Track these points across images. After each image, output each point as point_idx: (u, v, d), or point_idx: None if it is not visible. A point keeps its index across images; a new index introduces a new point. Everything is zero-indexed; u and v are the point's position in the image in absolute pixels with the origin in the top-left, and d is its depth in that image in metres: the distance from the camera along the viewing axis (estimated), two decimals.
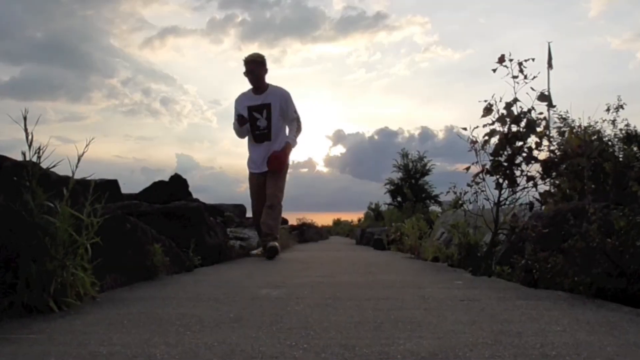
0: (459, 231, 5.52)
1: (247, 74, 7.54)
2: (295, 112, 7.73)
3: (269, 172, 7.49)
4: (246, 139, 7.78)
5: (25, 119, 2.64)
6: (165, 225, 5.34)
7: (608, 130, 14.27)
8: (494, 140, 4.81)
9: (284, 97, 7.60)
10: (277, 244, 7.19)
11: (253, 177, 7.69)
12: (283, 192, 7.69)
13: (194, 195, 10.02)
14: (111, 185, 8.07)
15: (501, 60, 4.75)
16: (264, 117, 7.51)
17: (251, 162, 7.70)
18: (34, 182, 2.62)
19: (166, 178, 10.13)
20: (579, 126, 5.86)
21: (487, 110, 4.81)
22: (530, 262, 3.61)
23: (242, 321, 2.30)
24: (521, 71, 4.66)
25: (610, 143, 11.65)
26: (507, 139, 4.71)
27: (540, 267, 3.46)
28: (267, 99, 7.52)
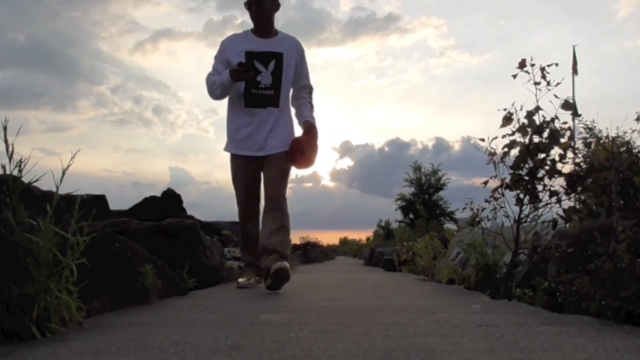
0: (476, 251, 5.51)
1: (250, 6, 5.78)
2: (309, 77, 6.04)
3: (271, 159, 5.70)
4: (224, 101, 5.94)
5: (5, 129, 2.65)
6: (158, 244, 5.35)
7: (638, 141, 14.24)
8: (514, 152, 4.80)
9: (300, 52, 5.93)
10: (287, 264, 5.22)
11: (241, 162, 5.78)
12: (286, 188, 5.91)
13: (189, 212, 10.06)
14: (99, 201, 8.11)
15: (522, 65, 4.74)
16: (270, 71, 5.68)
17: (238, 139, 5.75)
18: (15, 198, 2.62)
19: (158, 193, 10.19)
20: (607, 137, 5.86)
21: (507, 119, 4.80)
22: (554, 284, 3.60)
23: (240, 349, 2.29)
24: (544, 77, 4.65)
25: None
26: (529, 151, 4.70)
27: (565, 290, 3.45)
28: (278, 46, 5.78)
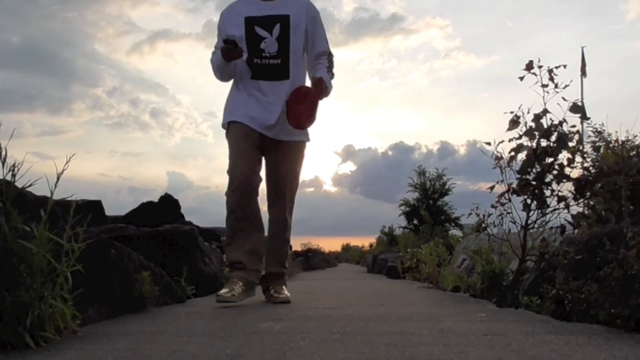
0: (482, 258, 5.51)
1: None
2: (327, 42, 5.28)
3: (282, 148, 5.06)
4: (230, 83, 5.27)
5: None
6: (155, 251, 5.35)
7: None
8: (521, 156, 4.80)
9: (312, 13, 5.17)
10: (287, 293, 5.09)
11: (243, 130, 4.95)
12: (299, 180, 5.27)
13: (187, 218, 10.05)
14: (94, 207, 8.12)
15: (529, 67, 4.74)
16: (275, 36, 4.99)
17: (243, 112, 5.00)
18: (8, 203, 2.63)
19: (156, 199, 10.18)
20: (616, 140, 5.83)
21: (514, 122, 4.80)
22: (562, 292, 3.60)
23: (240, 358, 2.29)
24: (551, 79, 4.65)
25: None
26: (536, 155, 4.70)
27: (573, 298, 3.44)
28: (283, 8, 5.06)
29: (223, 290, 4.60)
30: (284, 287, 5.15)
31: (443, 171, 28.60)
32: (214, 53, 5.08)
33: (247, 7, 5.04)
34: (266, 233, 5.19)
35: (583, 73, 21.23)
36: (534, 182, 4.74)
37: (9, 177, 2.67)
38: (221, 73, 5.09)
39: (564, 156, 4.70)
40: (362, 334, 2.92)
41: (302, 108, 4.94)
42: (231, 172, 4.84)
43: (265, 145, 5.02)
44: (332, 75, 5.14)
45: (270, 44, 4.98)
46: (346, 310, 4.27)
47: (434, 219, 24.03)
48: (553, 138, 4.68)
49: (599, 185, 4.69)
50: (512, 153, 4.82)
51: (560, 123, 4.67)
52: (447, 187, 28.22)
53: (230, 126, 5.03)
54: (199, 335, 2.95)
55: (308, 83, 5.17)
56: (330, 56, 5.20)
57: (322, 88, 5.00)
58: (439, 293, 6.56)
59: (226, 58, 4.85)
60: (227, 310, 4.24)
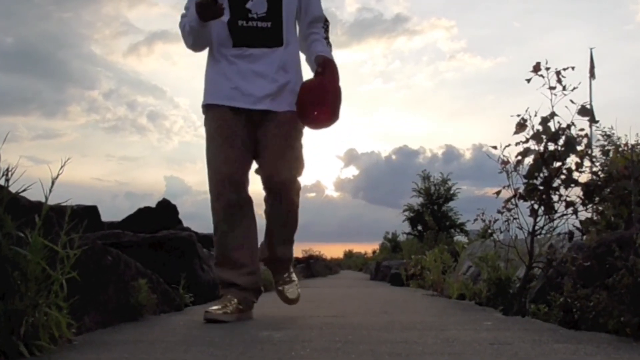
0: (488, 265, 5.51)
1: None
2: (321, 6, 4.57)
3: (274, 120, 4.20)
4: (206, 52, 4.43)
5: None
6: (152, 257, 5.35)
7: None
8: (528, 160, 4.80)
9: None
10: (298, 289, 4.70)
11: (226, 117, 4.20)
12: (302, 166, 4.39)
13: (185, 224, 10.04)
14: (90, 212, 8.12)
15: (536, 69, 4.75)
16: None
17: (224, 89, 4.22)
18: (1, 209, 2.63)
19: (153, 204, 10.17)
20: (626, 144, 5.83)
21: (521, 126, 4.80)
22: (570, 300, 3.60)
23: None
24: (559, 81, 4.66)
25: None
26: (544, 159, 4.70)
27: (581, 306, 3.45)
28: None
29: (214, 307, 4.08)
30: (293, 276, 4.71)
31: (448, 176, 28.65)
32: (184, 16, 4.32)
33: None
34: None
35: (592, 75, 21.27)
36: (541, 187, 4.74)
37: (2, 182, 2.67)
38: (194, 37, 4.25)
39: (572, 160, 4.70)
40: (365, 343, 2.92)
41: (323, 106, 4.24)
42: (212, 177, 4.19)
43: (255, 125, 4.22)
44: (330, 48, 4.45)
45: (259, 2, 4.21)
46: (348, 318, 4.28)
47: (438, 225, 24.05)
48: (561, 142, 4.68)
49: (608, 190, 4.68)
50: (519, 157, 4.82)
51: (569, 126, 4.67)
52: (452, 192, 28.26)
53: (209, 112, 4.28)
54: (197, 344, 2.95)
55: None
56: (326, 23, 4.51)
57: (334, 71, 4.28)
58: (444, 301, 6.56)
59: (203, 16, 4.02)
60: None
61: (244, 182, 4.26)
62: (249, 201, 4.32)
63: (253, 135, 4.24)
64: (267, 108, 4.17)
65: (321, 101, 4.21)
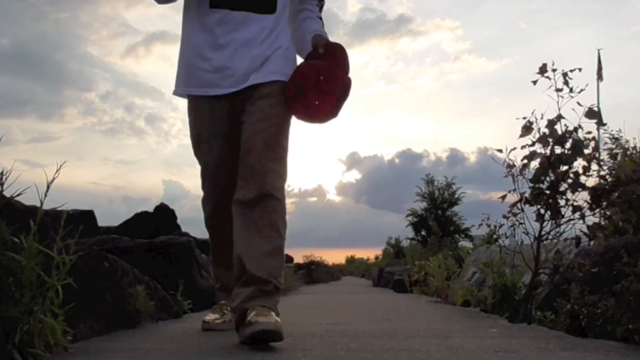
0: (493, 271, 5.51)
1: None
2: None
3: (257, 97, 3.47)
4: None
5: None
6: (150, 263, 5.35)
7: None
8: (535, 164, 4.80)
9: None
10: (277, 318, 3.05)
11: (206, 110, 3.60)
12: (285, 164, 3.54)
13: (184, 229, 10.04)
14: (86, 217, 8.14)
15: (543, 70, 4.75)
16: None
17: (199, 68, 3.53)
18: None
19: (151, 208, 10.19)
20: (634, 147, 5.83)
21: (527, 128, 4.80)
22: (577, 306, 3.60)
23: None
24: (566, 83, 4.65)
25: None
26: (550, 163, 4.70)
27: (589, 313, 3.44)
28: None
29: (210, 316, 3.95)
30: (272, 312, 3.12)
31: (452, 180, 28.58)
32: None
33: None
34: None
35: (599, 76, 21.26)
36: (547, 191, 4.74)
37: None
38: None
39: (579, 164, 4.70)
40: (367, 351, 2.92)
41: (328, 98, 3.55)
42: (202, 184, 3.83)
43: (240, 104, 3.54)
44: (323, 25, 3.86)
45: None
46: (351, 325, 4.27)
47: (442, 230, 24.01)
48: (568, 145, 4.68)
49: (616, 194, 4.68)
50: (525, 161, 4.82)
51: (575, 129, 4.67)
52: (456, 196, 28.19)
53: (189, 99, 3.71)
54: (196, 352, 2.95)
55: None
56: (321, 2, 3.96)
57: (347, 59, 3.64)
58: (448, 308, 6.56)
59: None
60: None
61: (232, 168, 3.54)
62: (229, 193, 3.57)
63: (239, 113, 3.54)
64: (248, 85, 3.47)
65: (327, 89, 3.52)
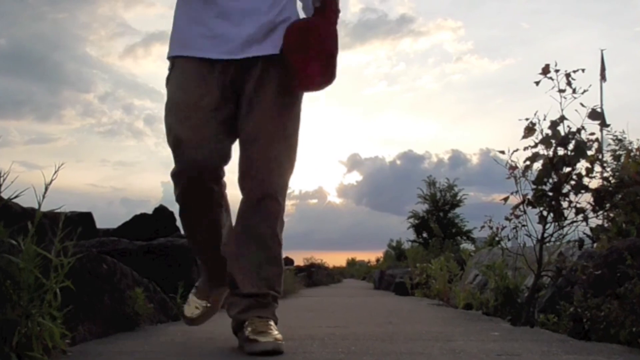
0: (495, 273, 5.51)
1: None
2: None
3: (262, 75, 3.11)
4: None
5: None
6: (149, 265, 5.35)
7: None
8: (537, 165, 4.80)
9: None
10: (275, 333, 2.94)
11: (194, 72, 3.10)
12: (295, 155, 3.26)
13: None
14: (85, 219, 8.14)
15: (545, 71, 4.74)
16: None
17: (195, 35, 3.13)
18: None
19: (150, 210, 10.17)
20: (638, 149, 5.83)
21: (529, 130, 4.80)
22: (580, 309, 3.60)
23: None
24: (569, 84, 4.65)
25: None
26: (553, 164, 4.70)
27: (592, 316, 3.44)
28: None
29: (187, 310, 3.58)
30: (270, 323, 3.02)
31: (454, 181, 28.67)
32: None
33: None
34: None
35: (602, 77, 21.26)
36: (550, 193, 4.74)
37: None
38: None
39: (582, 165, 4.69)
40: (368, 354, 2.92)
41: (314, 58, 3.15)
42: (174, 149, 3.08)
43: (237, 82, 3.13)
44: None
45: None
46: (352, 328, 4.27)
47: (444, 232, 24.03)
48: (571, 146, 4.68)
49: (620, 196, 4.68)
50: (528, 162, 4.82)
51: (579, 130, 4.67)
52: (458, 198, 28.26)
53: (175, 65, 3.19)
54: (195, 356, 2.95)
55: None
56: None
57: (337, 10, 3.27)
58: (450, 311, 6.56)
59: None
60: (226, 328, 4.22)
61: (217, 168, 3.15)
62: (218, 184, 3.20)
63: (232, 89, 3.13)
64: (256, 54, 3.10)
65: (312, 49, 3.14)
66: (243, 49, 3.07)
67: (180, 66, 3.14)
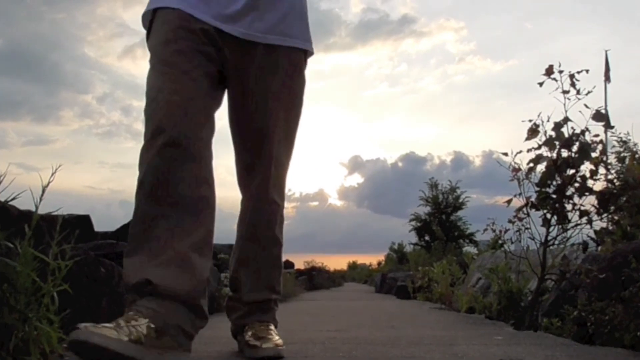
0: (498, 277, 5.51)
1: None
2: None
3: (264, 63, 2.81)
4: None
5: None
6: None
7: None
8: (541, 167, 4.80)
9: None
10: (276, 338, 2.91)
11: (180, 23, 2.64)
12: (289, 164, 3.07)
13: None
14: (83, 222, 8.12)
15: (549, 71, 4.74)
16: None
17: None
18: None
19: None
20: None
21: (533, 131, 4.80)
22: (584, 313, 3.60)
23: None
24: (573, 85, 4.65)
25: None
26: (557, 166, 4.70)
27: (596, 320, 3.44)
28: None
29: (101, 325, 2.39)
30: (271, 328, 3.01)
31: (457, 184, 28.55)
32: None
33: None
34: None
35: (607, 78, 21.21)
36: (554, 196, 4.74)
37: None
38: None
39: (586, 167, 4.69)
40: (369, 359, 2.92)
41: None
42: (152, 114, 2.56)
43: (227, 56, 2.76)
44: None
45: None
46: (353, 332, 4.27)
47: (446, 235, 24.03)
48: (575, 148, 4.68)
49: (624, 198, 4.68)
50: (531, 164, 4.82)
51: (583, 132, 4.67)
52: (461, 200, 28.16)
53: (157, 17, 2.73)
54: (194, 359, 2.94)
55: None
56: None
57: None
58: (453, 314, 6.55)
59: None
60: (225, 333, 4.22)
61: (204, 128, 2.65)
62: (199, 161, 2.61)
63: (219, 60, 2.77)
64: (244, 37, 2.75)
65: None
66: (234, 23, 2.71)
67: (163, 20, 2.70)
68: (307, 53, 2.98)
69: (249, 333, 2.92)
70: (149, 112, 2.57)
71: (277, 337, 2.92)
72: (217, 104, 2.84)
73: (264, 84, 2.83)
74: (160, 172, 2.53)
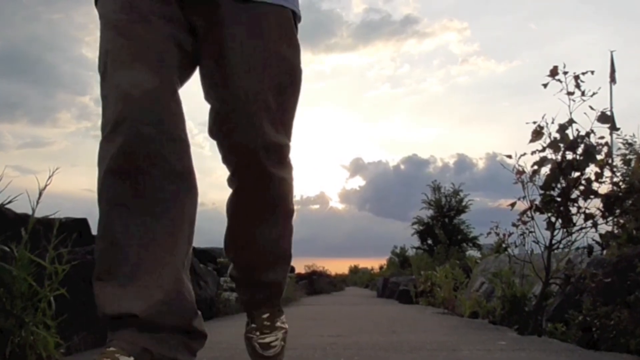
0: (502, 281, 5.50)
1: None
2: None
3: (244, 21, 2.14)
4: None
5: None
6: None
7: None
8: (545, 170, 4.79)
9: None
10: (282, 341, 2.81)
11: None
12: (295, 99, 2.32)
13: None
14: (80, 225, 8.09)
15: (554, 73, 4.74)
16: None
17: None
18: None
19: None
20: None
21: (537, 133, 4.79)
22: (589, 318, 3.59)
23: None
24: (578, 86, 4.64)
25: None
26: (561, 169, 4.69)
27: (601, 325, 3.44)
28: None
29: None
30: (278, 321, 2.90)
31: (460, 187, 28.56)
32: None
33: None
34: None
35: (612, 79, 21.18)
36: (558, 199, 4.73)
37: None
38: None
39: (591, 170, 4.69)
40: None
41: None
42: (112, 91, 2.08)
43: (197, 23, 2.19)
44: None
45: None
46: (354, 337, 4.27)
47: (449, 239, 24.06)
48: (579, 150, 4.67)
49: (630, 202, 4.67)
50: (535, 167, 4.81)
51: (588, 134, 4.66)
52: (464, 203, 28.16)
53: None
54: None
55: None
56: None
57: None
58: (456, 319, 6.55)
59: None
60: (225, 338, 4.23)
61: (172, 102, 2.07)
62: (181, 147, 2.11)
63: (188, 27, 2.18)
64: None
65: None
66: None
67: None
68: (296, 16, 2.34)
69: (255, 333, 2.74)
70: (107, 97, 2.12)
71: (281, 342, 2.81)
72: (184, 74, 2.25)
73: (245, 51, 2.17)
74: (126, 173, 2.04)
